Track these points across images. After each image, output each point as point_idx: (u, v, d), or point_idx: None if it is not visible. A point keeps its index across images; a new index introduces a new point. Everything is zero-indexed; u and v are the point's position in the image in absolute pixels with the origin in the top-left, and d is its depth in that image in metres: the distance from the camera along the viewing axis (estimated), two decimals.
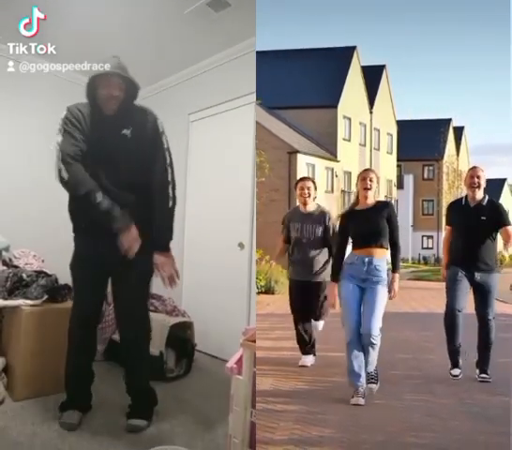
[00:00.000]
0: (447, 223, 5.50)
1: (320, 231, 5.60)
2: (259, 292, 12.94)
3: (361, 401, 4.50)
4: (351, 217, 4.81)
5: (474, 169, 5.38)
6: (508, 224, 5.18)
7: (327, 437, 3.77)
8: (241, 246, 6.23)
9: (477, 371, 5.26)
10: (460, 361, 5.32)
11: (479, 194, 5.28)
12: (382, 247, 4.67)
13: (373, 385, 4.74)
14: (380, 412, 4.35)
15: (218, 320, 6.15)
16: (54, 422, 4.13)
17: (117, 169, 4.00)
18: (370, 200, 4.74)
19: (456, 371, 5.29)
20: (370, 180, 4.71)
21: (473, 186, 5.26)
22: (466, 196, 5.38)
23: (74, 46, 4.57)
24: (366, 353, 4.67)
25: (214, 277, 6.58)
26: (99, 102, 4.01)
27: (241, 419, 3.28)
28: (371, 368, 4.73)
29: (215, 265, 6.61)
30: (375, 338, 4.65)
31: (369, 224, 4.68)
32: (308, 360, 5.77)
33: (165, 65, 6.78)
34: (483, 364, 5.26)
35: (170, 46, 6.22)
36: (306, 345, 5.76)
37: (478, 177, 5.26)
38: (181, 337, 5.65)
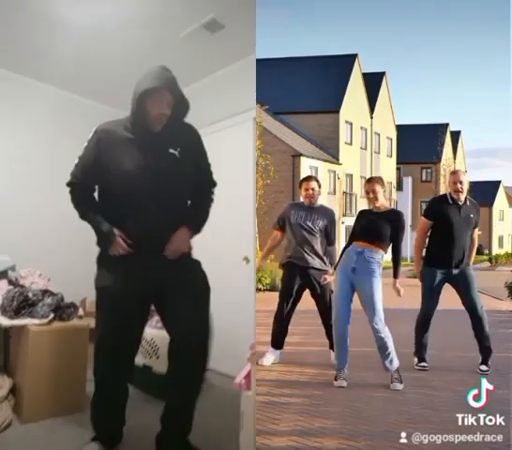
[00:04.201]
0: (430, 218, 5.32)
1: (322, 224, 5.37)
2: (264, 290, 12.88)
3: (344, 383, 4.66)
4: (363, 215, 4.95)
5: (455, 174, 5.29)
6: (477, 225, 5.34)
7: (329, 428, 3.74)
8: (246, 260, 5.80)
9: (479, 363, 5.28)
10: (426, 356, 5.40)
11: (463, 197, 5.26)
12: (376, 245, 4.73)
13: (397, 385, 4.68)
14: (381, 404, 4.31)
15: (226, 336, 5.90)
16: (63, 445, 3.79)
17: (165, 188, 3.48)
18: (379, 205, 4.82)
19: (424, 364, 5.35)
20: (373, 192, 4.79)
21: (457, 191, 5.22)
22: (450, 194, 5.29)
23: (73, 69, 4.40)
24: (378, 350, 4.72)
25: (220, 293, 6.27)
26: (149, 119, 3.44)
27: (252, 436, 3.11)
28: (392, 365, 4.71)
29: (221, 281, 6.28)
30: (379, 332, 4.64)
31: (373, 224, 4.76)
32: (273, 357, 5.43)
33: None
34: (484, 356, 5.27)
35: (168, 66, 6.12)
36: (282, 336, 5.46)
37: (461, 183, 5.21)
38: None
